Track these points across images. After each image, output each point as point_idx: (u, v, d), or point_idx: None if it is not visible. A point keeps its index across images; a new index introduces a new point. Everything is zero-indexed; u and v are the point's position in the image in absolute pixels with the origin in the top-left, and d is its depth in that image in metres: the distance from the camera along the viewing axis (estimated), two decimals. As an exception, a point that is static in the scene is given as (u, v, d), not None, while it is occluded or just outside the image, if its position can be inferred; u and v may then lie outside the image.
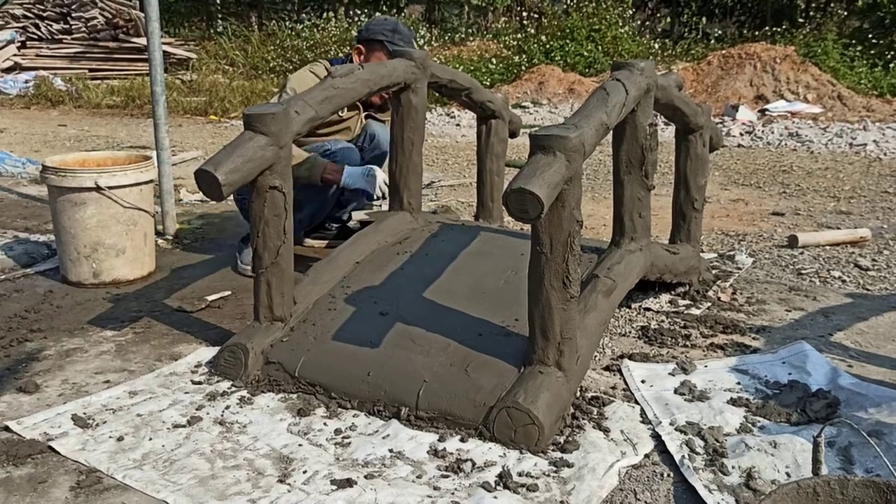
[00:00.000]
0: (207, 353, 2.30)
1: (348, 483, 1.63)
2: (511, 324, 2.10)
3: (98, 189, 2.79)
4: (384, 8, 14.14)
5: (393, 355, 2.02)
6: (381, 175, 2.98)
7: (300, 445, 1.80)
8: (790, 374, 2.13)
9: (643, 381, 2.10)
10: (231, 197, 3.00)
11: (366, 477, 1.66)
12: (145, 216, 2.96)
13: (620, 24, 11.98)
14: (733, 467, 1.68)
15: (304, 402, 1.99)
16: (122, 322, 2.57)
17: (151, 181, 2.98)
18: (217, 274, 3.10)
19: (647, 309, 2.68)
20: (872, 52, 11.00)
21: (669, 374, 2.15)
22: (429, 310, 2.20)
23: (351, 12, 14.29)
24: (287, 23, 14.09)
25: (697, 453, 1.75)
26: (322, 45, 11.69)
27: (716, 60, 9.62)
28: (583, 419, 1.89)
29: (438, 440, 1.81)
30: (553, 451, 1.77)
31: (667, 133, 6.02)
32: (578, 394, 2.02)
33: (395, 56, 2.77)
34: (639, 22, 15.06)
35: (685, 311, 2.64)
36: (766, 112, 8.38)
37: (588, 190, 4.83)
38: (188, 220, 3.93)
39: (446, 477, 1.67)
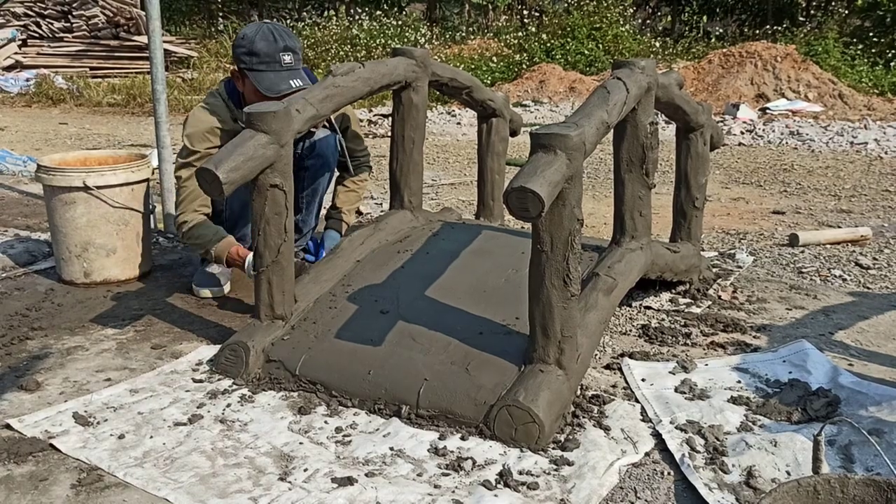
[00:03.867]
0: (208, 351, 2.30)
1: (349, 481, 1.63)
2: (512, 322, 2.10)
3: (86, 189, 2.77)
4: (385, 6, 14.13)
5: (394, 354, 2.02)
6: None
7: (301, 443, 1.80)
8: (791, 372, 2.13)
9: (643, 380, 2.10)
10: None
11: (366, 475, 1.66)
12: (137, 216, 2.91)
13: (621, 22, 11.99)
14: (734, 466, 1.68)
15: (305, 401, 1.99)
16: (123, 320, 2.57)
17: (145, 180, 2.93)
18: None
19: (648, 307, 2.68)
20: (873, 50, 11.01)
21: (670, 372, 2.15)
22: (429, 308, 2.20)
23: (352, 11, 14.30)
24: (288, 21, 14.11)
25: (698, 452, 1.75)
26: (323, 43, 11.69)
27: (716, 59, 9.62)
28: (583, 417, 1.89)
29: (439, 438, 1.82)
30: (553, 449, 1.77)
31: (667, 132, 6.01)
32: (579, 392, 2.02)
33: (267, 88, 2.56)
34: (640, 20, 15.09)
35: (686, 310, 2.64)
36: (767, 111, 8.38)
37: (589, 188, 4.83)
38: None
39: (447, 475, 1.67)
